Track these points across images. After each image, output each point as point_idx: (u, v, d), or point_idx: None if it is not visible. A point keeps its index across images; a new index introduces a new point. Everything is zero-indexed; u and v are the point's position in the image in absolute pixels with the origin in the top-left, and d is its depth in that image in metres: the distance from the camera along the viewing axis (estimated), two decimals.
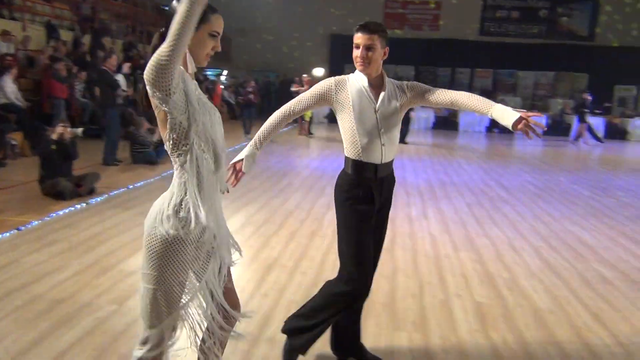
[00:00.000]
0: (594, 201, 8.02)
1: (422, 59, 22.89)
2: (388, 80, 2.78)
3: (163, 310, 1.96)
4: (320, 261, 4.68)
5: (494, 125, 20.24)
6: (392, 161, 2.83)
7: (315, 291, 2.90)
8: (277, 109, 2.82)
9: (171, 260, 1.92)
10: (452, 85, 23.58)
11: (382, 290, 4.08)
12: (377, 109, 2.70)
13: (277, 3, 22.44)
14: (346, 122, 2.73)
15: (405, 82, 2.83)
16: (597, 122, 19.48)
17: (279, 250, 4.96)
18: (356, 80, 2.75)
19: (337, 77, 2.78)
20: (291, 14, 22.64)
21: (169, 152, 1.96)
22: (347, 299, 2.73)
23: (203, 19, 1.90)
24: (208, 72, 21.70)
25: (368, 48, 2.64)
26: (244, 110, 14.41)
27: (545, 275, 4.62)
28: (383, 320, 3.57)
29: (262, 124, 2.81)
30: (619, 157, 14.84)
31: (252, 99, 14.05)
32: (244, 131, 13.88)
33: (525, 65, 22.88)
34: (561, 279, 4.53)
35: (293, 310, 3.00)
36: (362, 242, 2.70)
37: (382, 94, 2.72)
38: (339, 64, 20.91)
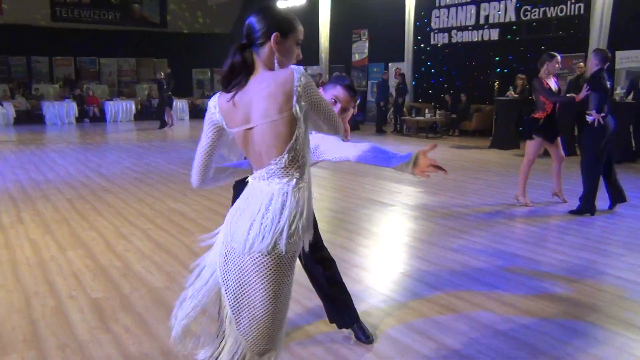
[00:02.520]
0: (189, 177, 8.60)
1: None
2: None
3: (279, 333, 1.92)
4: None
5: (83, 115, 19.57)
6: None
7: None
8: None
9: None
10: (30, 74, 21.67)
11: None
12: None
13: None
14: None
15: None
16: (181, 104, 20.91)
17: None
18: None
19: None
20: None
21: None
22: None
23: (291, 29, 1.91)
24: None
25: None
26: None
27: (157, 254, 4.75)
28: None
29: None
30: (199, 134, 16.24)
31: None
32: None
33: (107, 52, 22.67)
34: (172, 256, 4.73)
35: None
36: None
37: None
38: None
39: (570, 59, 12.35)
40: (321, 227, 5.77)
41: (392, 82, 16.60)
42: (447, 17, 15.67)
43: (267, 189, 1.86)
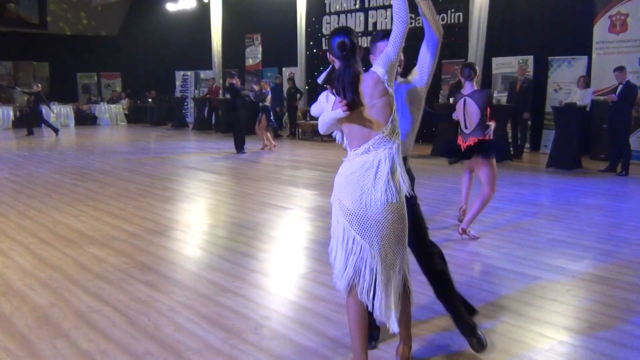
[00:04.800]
0: (76, 187, 8.18)
1: None
2: None
3: None
4: None
5: None
6: None
7: None
8: None
9: None
10: None
11: None
12: None
13: None
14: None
15: None
16: (65, 110, 19.77)
17: None
18: None
19: None
20: None
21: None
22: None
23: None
24: None
25: None
26: None
27: (40, 270, 4.46)
28: None
29: None
30: (92, 141, 15.49)
31: None
32: None
33: None
34: (58, 270, 4.47)
35: None
36: None
37: None
38: None
39: (452, 64, 13.11)
40: (219, 233, 5.71)
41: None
42: (338, 23, 16.05)
43: (371, 159, 2.50)
